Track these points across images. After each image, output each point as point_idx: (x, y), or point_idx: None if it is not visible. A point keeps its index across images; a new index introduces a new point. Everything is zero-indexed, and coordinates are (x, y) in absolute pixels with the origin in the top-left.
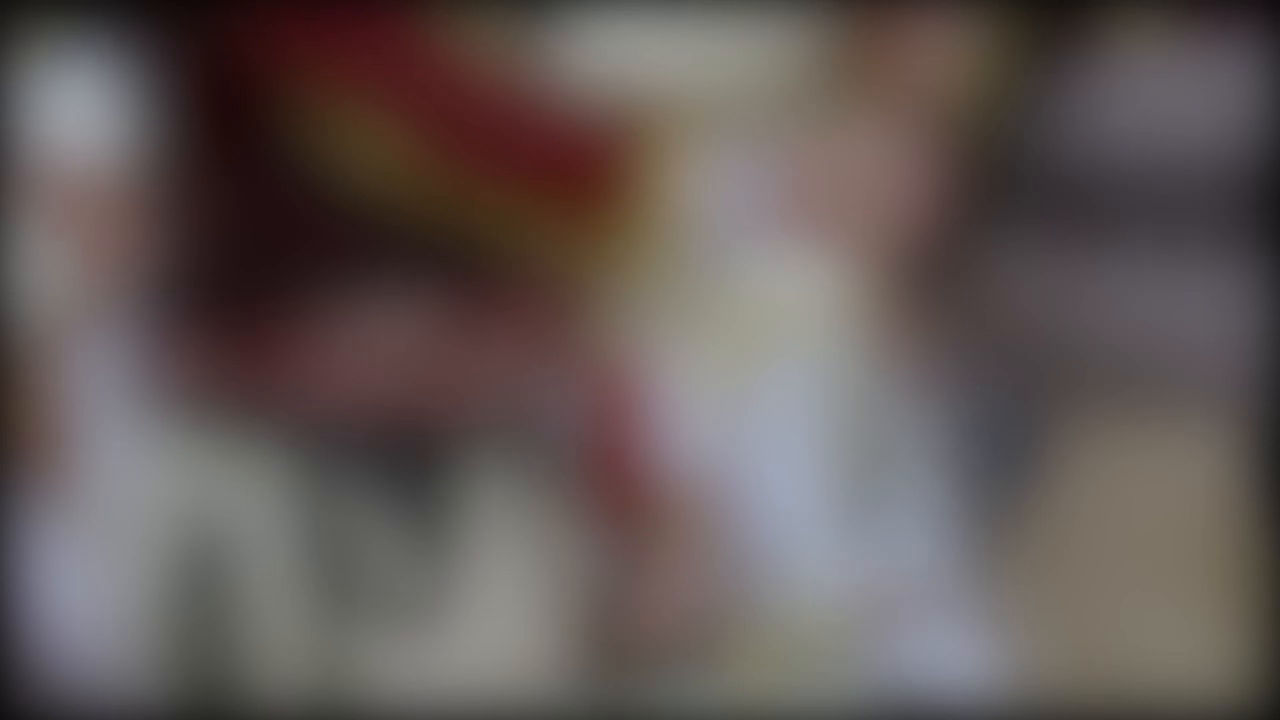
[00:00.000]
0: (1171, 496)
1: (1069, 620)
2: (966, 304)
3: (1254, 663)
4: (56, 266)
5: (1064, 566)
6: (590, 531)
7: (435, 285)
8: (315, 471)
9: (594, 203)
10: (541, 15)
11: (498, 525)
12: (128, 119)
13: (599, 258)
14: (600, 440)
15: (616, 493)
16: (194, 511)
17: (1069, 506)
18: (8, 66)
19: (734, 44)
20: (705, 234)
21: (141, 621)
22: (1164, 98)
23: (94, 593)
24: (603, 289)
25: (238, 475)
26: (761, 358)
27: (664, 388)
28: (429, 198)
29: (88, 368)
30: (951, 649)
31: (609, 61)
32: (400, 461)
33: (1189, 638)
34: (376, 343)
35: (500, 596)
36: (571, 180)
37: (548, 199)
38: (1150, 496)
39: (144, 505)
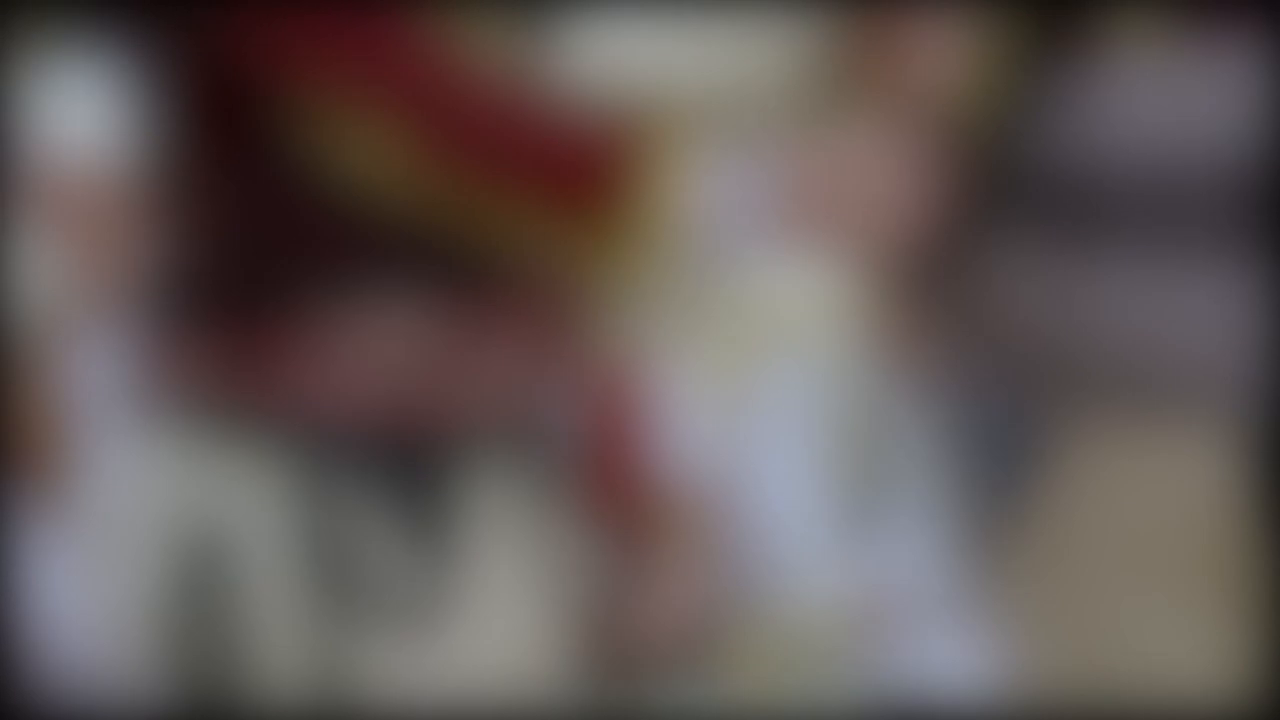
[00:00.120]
0: (1170, 500)
1: (1068, 623)
2: (966, 307)
3: (1253, 665)
4: (55, 268)
5: (1063, 569)
6: (590, 535)
7: (435, 288)
8: (315, 475)
9: (594, 206)
10: (541, 18)
11: (497, 528)
12: (127, 121)
13: (599, 261)
14: (600, 443)
15: (616, 496)
16: (194, 515)
17: (1068, 510)
18: (7, 68)
19: (734, 47)
20: (705, 237)
21: (141, 625)
22: (1164, 101)
23: (93, 596)
24: (603, 292)
25: (237, 478)
26: (761, 361)
27: (664, 391)
28: (429, 201)
29: (87, 369)
30: (951, 652)
31: (609, 64)
32: (400, 464)
33: (1188, 641)
34: (376, 345)
35: (500, 600)
36: (571, 183)
37: (548, 202)
38: (1149, 500)
39: (143, 508)
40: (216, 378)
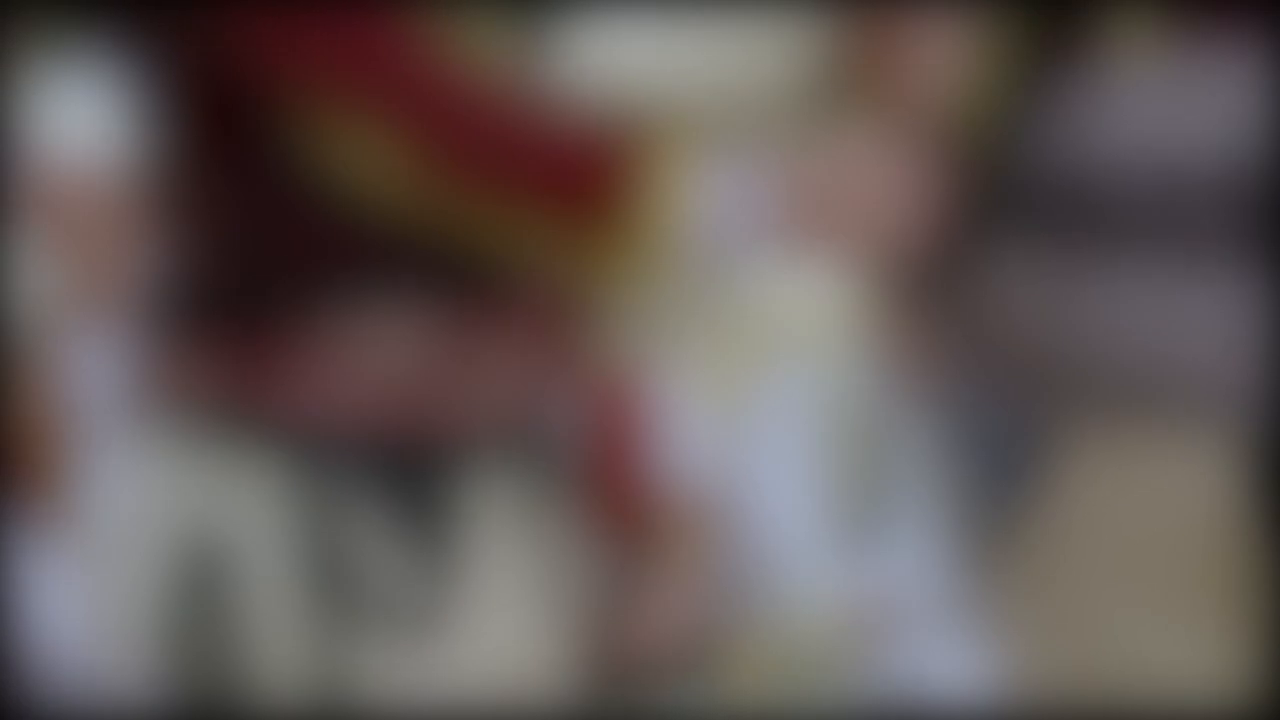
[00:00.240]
0: (1170, 508)
1: (1067, 631)
2: (966, 314)
3: (1252, 673)
4: (53, 274)
5: (1062, 578)
6: (590, 541)
7: (435, 294)
8: (315, 481)
9: (594, 212)
10: (542, 24)
11: (498, 535)
12: (126, 127)
13: (599, 267)
14: (600, 449)
15: (617, 502)
16: (194, 521)
17: (1067, 518)
18: (7, 74)
19: (735, 53)
20: (706, 243)
21: (141, 632)
22: (1164, 108)
23: (93, 603)
24: (603, 298)
25: (238, 484)
26: (761, 367)
27: (664, 397)
28: (429, 207)
29: (86, 375)
30: (950, 660)
31: (609, 70)
32: (400, 471)
33: (1187, 650)
34: (375, 351)
35: (500, 606)
36: (572, 189)
37: (548, 208)
38: (1148, 508)
39: (143, 514)
40: (216, 383)
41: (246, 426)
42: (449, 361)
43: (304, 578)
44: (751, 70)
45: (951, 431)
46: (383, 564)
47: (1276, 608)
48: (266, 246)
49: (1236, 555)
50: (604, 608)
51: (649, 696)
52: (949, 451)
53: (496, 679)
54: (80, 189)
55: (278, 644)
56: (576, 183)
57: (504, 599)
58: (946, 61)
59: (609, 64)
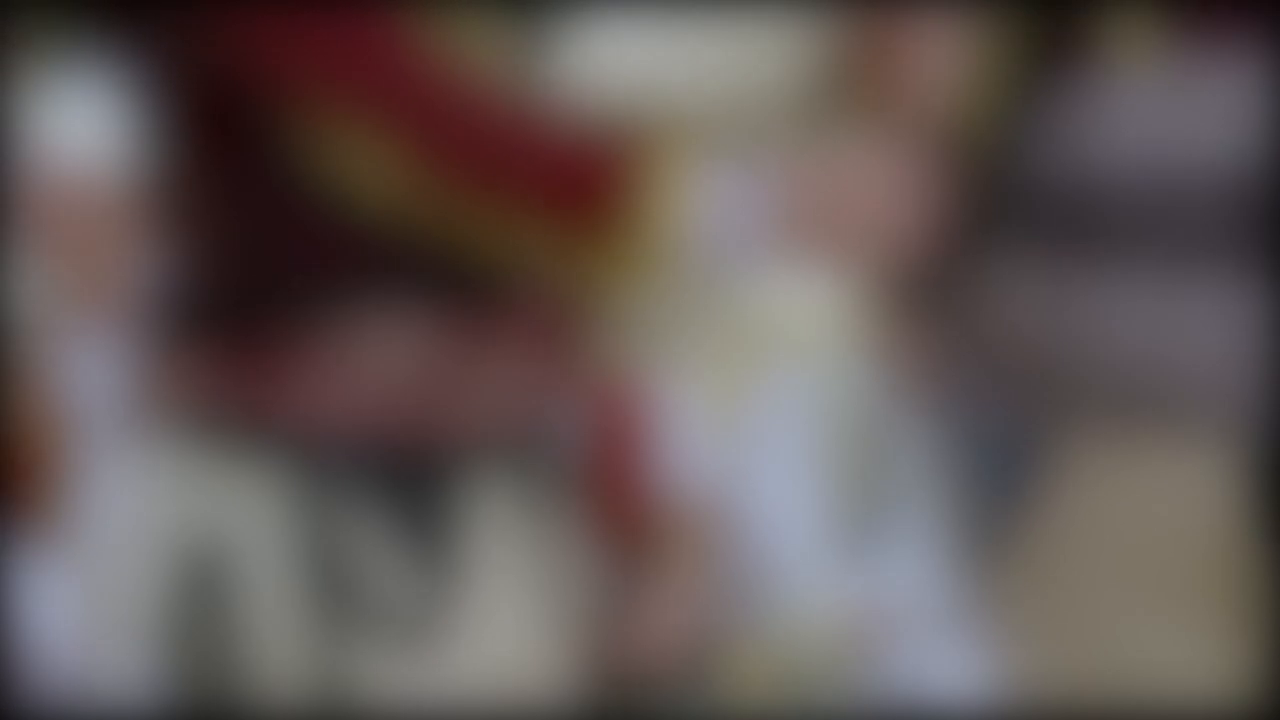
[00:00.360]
0: (1169, 513)
1: (1066, 637)
2: (965, 320)
3: (1252, 679)
4: (53, 280)
5: (1061, 584)
6: (591, 548)
7: (435, 301)
8: (316, 486)
9: (594, 217)
10: (541, 28)
11: (498, 542)
12: (125, 133)
13: (599, 272)
14: (601, 455)
15: (617, 508)
16: (194, 527)
17: (1066, 524)
18: (6, 78)
19: (734, 58)
20: (705, 248)
21: (141, 638)
22: (1164, 114)
23: (92, 608)
24: (603, 304)
25: (237, 490)
26: (762, 373)
27: (664, 404)
28: (429, 213)
29: (85, 381)
30: (950, 666)
31: (608, 75)
32: (401, 478)
33: (1187, 654)
34: (376, 357)
35: (500, 613)
36: (571, 195)
37: (547, 214)
38: (1148, 514)
39: (143, 521)
40: (216, 388)
41: (246, 431)
42: (449, 367)
43: (304, 583)
44: (752, 74)
45: (951, 436)
46: (383, 569)
47: (1276, 612)
48: (266, 252)
49: (1236, 560)
50: (605, 613)
51: (650, 702)
52: (949, 456)
53: (497, 685)
54: (79, 194)
55: (278, 649)
56: (577, 187)
57: (505, 604)
58: (947, 66)
59: (609, 68)
